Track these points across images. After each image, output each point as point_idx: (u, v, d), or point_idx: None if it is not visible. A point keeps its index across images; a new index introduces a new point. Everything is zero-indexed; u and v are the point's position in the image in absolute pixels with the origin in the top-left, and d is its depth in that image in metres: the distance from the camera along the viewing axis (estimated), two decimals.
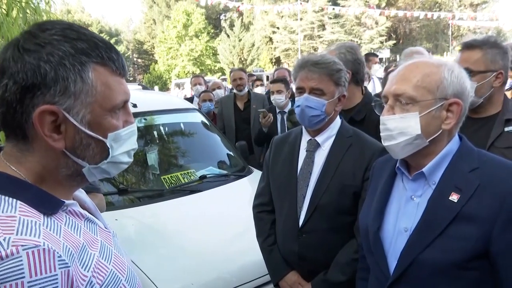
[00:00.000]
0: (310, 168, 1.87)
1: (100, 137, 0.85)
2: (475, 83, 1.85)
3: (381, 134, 1.32)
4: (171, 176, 3.26)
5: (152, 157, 3.41)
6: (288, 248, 1.88)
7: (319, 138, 1.88)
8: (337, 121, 1.92)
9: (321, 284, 1.81)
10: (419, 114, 1.23)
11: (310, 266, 1.83)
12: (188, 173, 3.36)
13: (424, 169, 1.28)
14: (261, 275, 2.31)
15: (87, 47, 0.82)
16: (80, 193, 1.00)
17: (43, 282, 0.69)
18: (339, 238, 1.77)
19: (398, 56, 37.07)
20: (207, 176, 3.34)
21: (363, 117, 2.29)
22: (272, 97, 4.31)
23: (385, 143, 1.32)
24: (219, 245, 2.50)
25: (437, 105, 1.23)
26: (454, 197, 1.21)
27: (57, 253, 0.72)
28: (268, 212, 2.03)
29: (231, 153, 3.87)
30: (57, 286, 0.71)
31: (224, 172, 3.58)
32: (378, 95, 2.60)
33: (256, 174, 3.49)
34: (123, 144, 0.90)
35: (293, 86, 2.02)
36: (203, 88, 6.44)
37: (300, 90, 1.86)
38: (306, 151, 1.90)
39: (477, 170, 1.23)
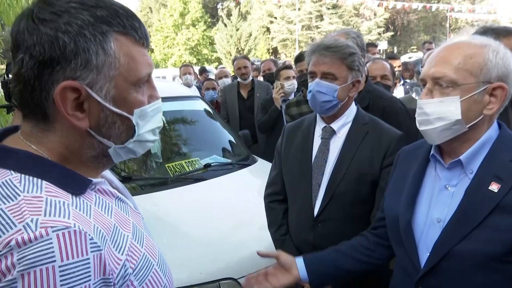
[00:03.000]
0: (326, 156, 1.82)
1: (126, 114, 0.78)
2: None
3: (417, 118, 1.26)
4: (175, 164, 3.22)
5: (155, 145, 3.36)
6: (303, 238, 1.84)
7: (334, 125, 1.83)
8: (353, 108, 1.87)
9: None
10: (460, 98, 1.16)
11: None
12: (192, 161, 3.32)
13: (461, 157, 1.22)
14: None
15: (108, 15, 0.74)
16: (106, 172, 0.93)
17: (75, 267, 0.63)
18: (355, 227, 1.73)
19: (395, 48, 37.16)
20: (212, 164, 3.29)
21: (367, 104, 2.25)
22: (286, 84, 4.07)
23: (421, 128, 1.26)
24: (226, 233, 2.48)
25: (480, 89, 1.16)
26: (494, 187, 1.15)
27: (89, 235, 0.67)
28: (280, 202, 1.98)
29: (234, 141, 3.83)
30: (90, 271, 0.65)
31: (229, 160, 3.54)
32: None
33: (260, 163, 3.46)
34: (149, 122, 0.83)
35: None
36: (192, 77, 6.34)
37: (312, 75, 1.80)
38: (321, 138, 1.85)
39: None
